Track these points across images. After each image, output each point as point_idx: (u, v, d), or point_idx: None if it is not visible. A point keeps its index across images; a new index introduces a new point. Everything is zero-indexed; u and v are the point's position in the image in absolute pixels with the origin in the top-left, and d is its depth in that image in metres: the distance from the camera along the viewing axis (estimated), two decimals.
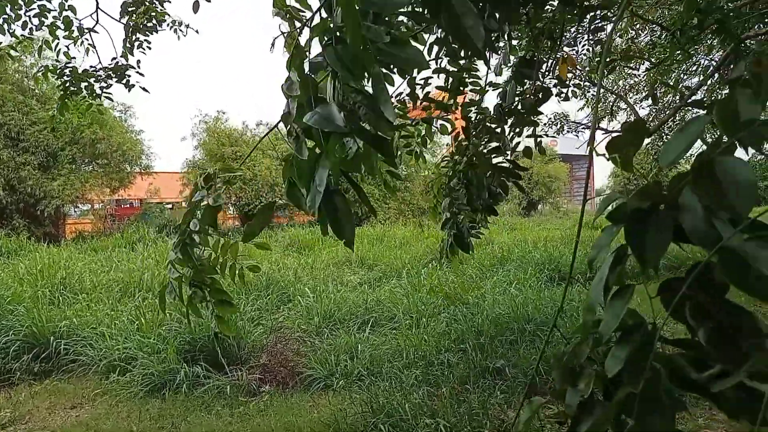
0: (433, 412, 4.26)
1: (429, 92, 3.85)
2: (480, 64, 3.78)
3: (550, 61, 4.05)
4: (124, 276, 9.12)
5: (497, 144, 3.85)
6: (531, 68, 3.59)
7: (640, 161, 25.15)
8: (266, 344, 6.39)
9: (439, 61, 3.52)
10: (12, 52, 5.86)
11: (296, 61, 1.46)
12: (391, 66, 1.95)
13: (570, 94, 4.35)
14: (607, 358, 0.90)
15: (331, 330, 6.87)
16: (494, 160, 3.79)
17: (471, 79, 3.79)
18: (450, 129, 4.19)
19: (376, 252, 12.62)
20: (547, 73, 4.03)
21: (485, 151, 3.87)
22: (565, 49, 4.91)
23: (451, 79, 3.78)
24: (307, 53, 1.46)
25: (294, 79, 1.43)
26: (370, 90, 1.29)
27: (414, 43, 1.26)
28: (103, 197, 22.12)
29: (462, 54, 3.35)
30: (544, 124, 11.80)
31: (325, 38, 1.38)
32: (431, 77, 3.79)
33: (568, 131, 14.20)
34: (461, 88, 3.82)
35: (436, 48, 3.14)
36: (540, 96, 3.68)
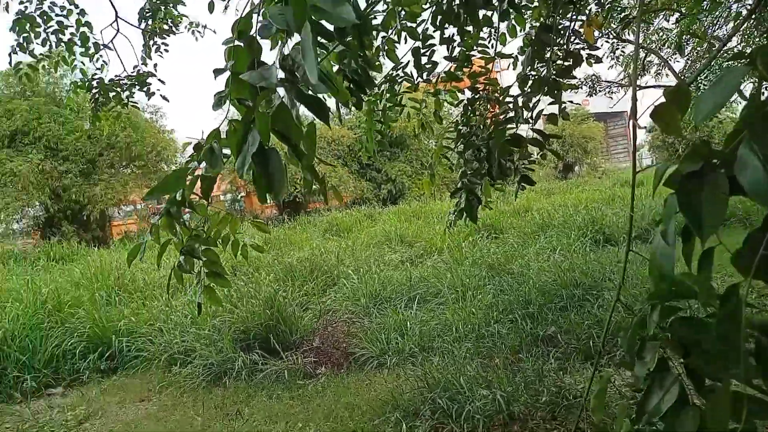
0: (489, 383, 4.30)
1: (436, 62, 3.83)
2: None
3: (573, 24, 3.94)
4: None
5: (513, 114, 3.79)
6: (550, 33, 3.50)
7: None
8: (317, 328, 6.53)
9: (446, 30, 3.49)
10: (28, 71, 5.91)
11: (242, 22, 1.44)
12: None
13: (602, 58, 4.25)
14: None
15: (378, 309, 6.96)
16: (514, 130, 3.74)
17: (480, 49, 3.76)
18: (458, 100, 4.22)
19: (414, 229, 12.65)
20: (570, 37, 3.93)
21: (502, 119, 3.83)
22: (592, 8, 4.76)
23: (458, 50, 3.77)
24: (256, 15, 1.44)
25: (236, 39, 1.43)
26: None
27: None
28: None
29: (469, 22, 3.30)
30: (577, 87, 11.53)
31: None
32: (435, 46, 3.75)
33: (600, 92, 13.86)
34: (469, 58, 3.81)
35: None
36: (571, 61, 3.60)
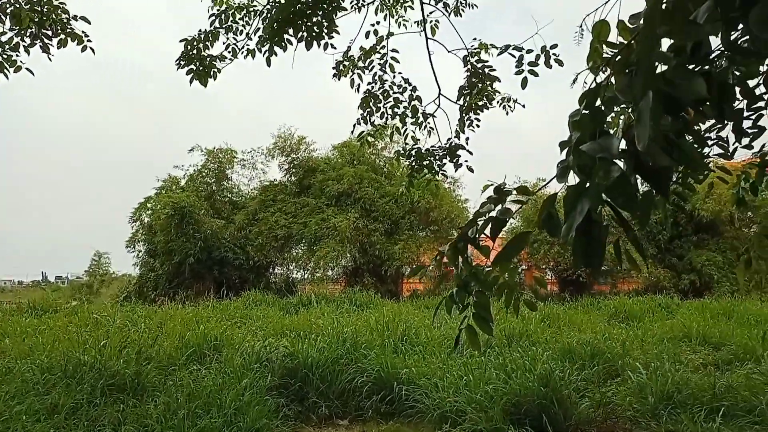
0: None
1: None
2: None
3: None
4: (452, 333, 9.76)
5: None
6: None
7: None
8: (595, 419, 5.98)
9: None
10: (369, 138, 7.04)
11: (589, 95, 1.43)
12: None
13: None
14: None
15: (669, 414, 6.05)
16: None
17: None
18: None
19: (722, 329, 10.78)
20: None
21: None
22: None
23: None
24: (604, 89, 1.43)
25: (582, 111, 1.42)
26: None
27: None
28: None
29: None
30: None
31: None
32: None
33: None
34: None
35: None
36: None
